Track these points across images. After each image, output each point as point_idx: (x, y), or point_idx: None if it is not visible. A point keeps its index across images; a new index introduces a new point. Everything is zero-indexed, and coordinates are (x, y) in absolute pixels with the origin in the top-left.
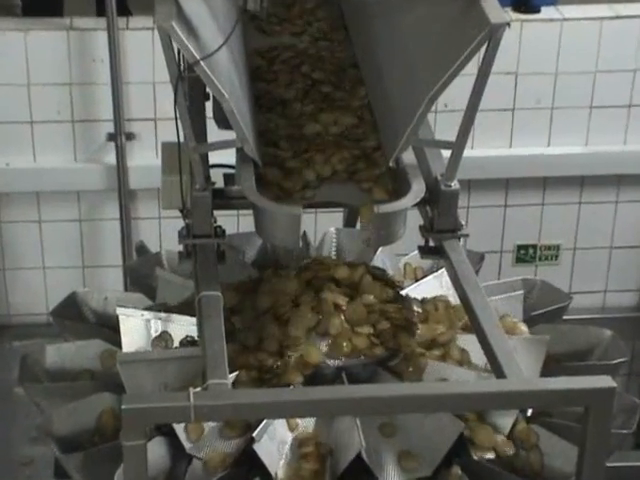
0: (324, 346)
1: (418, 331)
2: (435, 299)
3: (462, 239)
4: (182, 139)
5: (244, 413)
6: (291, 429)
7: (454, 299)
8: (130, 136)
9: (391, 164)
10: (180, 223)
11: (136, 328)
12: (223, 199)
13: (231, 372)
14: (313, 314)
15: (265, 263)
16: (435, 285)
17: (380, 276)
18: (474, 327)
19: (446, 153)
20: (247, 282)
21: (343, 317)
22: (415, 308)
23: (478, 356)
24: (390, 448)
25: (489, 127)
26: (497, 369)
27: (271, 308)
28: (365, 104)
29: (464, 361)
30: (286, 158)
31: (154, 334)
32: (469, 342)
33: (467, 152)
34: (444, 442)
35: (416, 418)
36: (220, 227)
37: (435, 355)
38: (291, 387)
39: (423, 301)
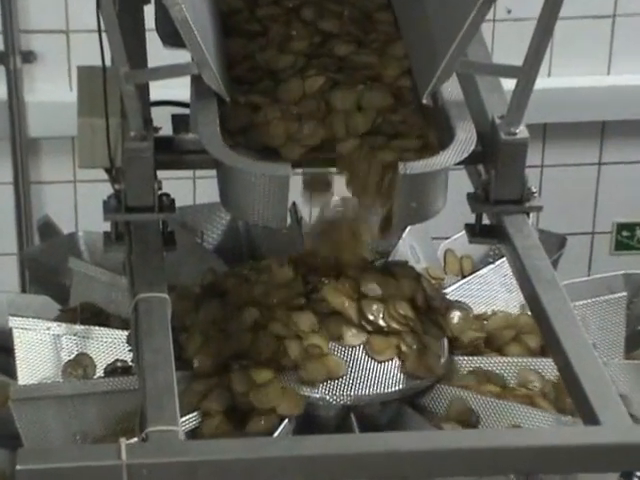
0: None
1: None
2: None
3: (532, 214)
4: (109, 62)
5: (203, 477)
6: None
7: (518, 304)
8: (29, 56)
9: (425, 101)
10: (106, 190)
11: (38, 348)
12: (171, 153)
13: (186, 412)
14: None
15: (235, 250)
16: (492, 283)
17: (404, 273)
18: (550, 347)
19: (509, 84)
20: (209, 278)
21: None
22: (458, 319)
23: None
24: None
25: (575, 44)
26: (587, 411)
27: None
28: (406, 71)
29: (537, 399)
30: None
31: (66, 357)
32: (541, 370)
33: (541, 82)
34: None
35: None
36: (167, 196)
37: (491, 389)
38: (276, 435)
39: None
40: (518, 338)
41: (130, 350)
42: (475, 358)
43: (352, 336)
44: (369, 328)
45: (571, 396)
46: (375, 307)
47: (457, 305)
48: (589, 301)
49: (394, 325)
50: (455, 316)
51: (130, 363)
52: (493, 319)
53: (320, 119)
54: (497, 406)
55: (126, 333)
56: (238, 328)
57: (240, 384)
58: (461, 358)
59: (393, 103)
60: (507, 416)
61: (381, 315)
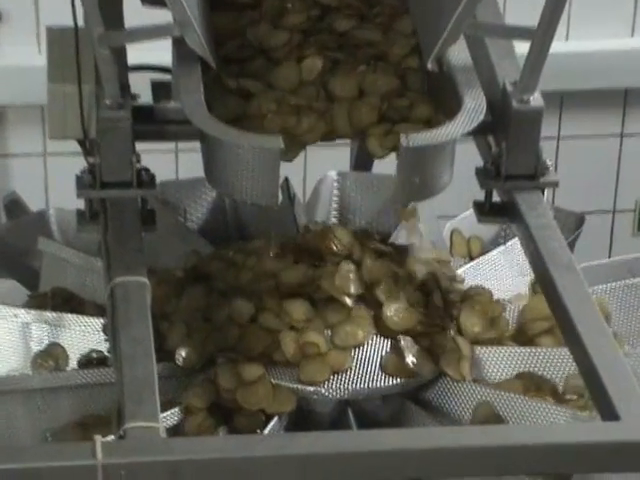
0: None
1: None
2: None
3: (548, 191)
4: (82, 23)
5: (186, 477)
6: None
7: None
8: None
9: (431, 66)
10: (79, 164)
11: (6, 337)
12: (151, 124)
13: (168, 407)
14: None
15: (221, 230)
16: (502, 267)
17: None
18: (565, 337)
19: (522, 48)
20: (192, 261)
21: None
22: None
23: (571, 383)
24: None
25: (595, 4)
26: (605, 405)
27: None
28: (413, 49)
29: (546, 391)
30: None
31: (36, 347)
32: (556, 361)
33: (557, 46)
34: None
35: None
36: (147, 171)
37: (504, 383)
38: (266, 432)
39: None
40: (552, 330)
41: (106, 340)
42: (498, 349)
43: (350, 327)
44: (369, 318)
45: (589, 389)
46: (379, 294)
47: (476, 291)
48: (609, 286)
49: (398, 317)
50: (474, 307)
51: (106, 354)
52: (526, 309)
53: (320, 112)
54: (507, 400)
55: (102, 321)
56: (225, 319)
57: (226, 380)
58: (482, 350)
59: (399, 86)
60: (518, 411)
61: (386, 306)
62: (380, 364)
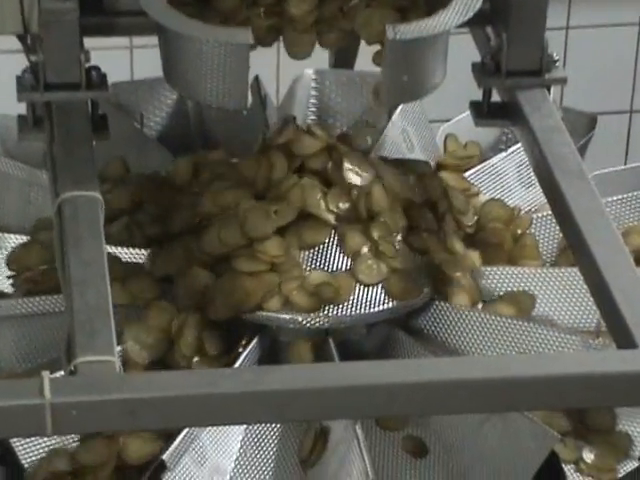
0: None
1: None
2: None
3: (554, 88)
4: None
5: (145, 418)
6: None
7: (538, 203)
8: None
9: None
10: (20, 63)
11: None
12: (101, 15)
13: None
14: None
15: (183, 137)
16: (504, 175)
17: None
18: (576, 253)
19: None
20: (153, 173)
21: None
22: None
23: (582, 308)
24: None
25: None
26: (620, 331)
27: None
28: None
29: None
30: None
31: None
32: (564, 282)
33: None
34: (524, 469)
35: (468, 427)
36: (98, 70)
37: (504, 307)
38: (236, 366)
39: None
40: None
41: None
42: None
43: (329, 245)
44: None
45: (601, 313)
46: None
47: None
48: (625, 196)
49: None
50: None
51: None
52: None
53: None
54: (510, 328)
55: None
56: (187, 285)
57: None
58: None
59: None
60: (524, 340)
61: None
62: (367, 288)
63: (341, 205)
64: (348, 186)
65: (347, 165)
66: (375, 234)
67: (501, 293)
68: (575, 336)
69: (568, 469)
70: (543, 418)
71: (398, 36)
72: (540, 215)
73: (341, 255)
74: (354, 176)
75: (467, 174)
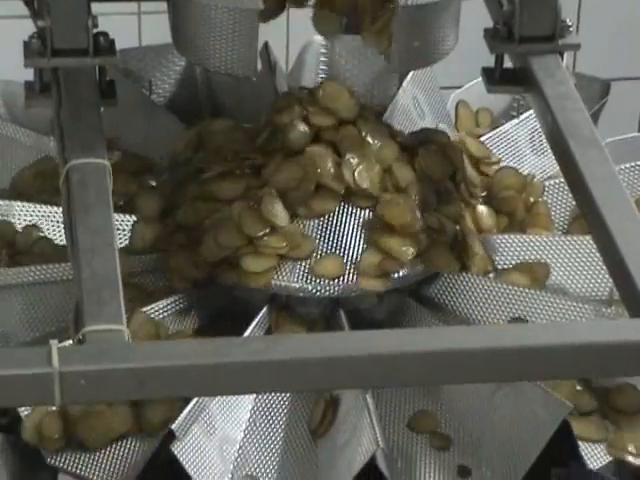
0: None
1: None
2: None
3: (568, 54)
4: None
5: (154, 387)
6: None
7: (550, 171)
8: None
9: None
10: (27, 28)
11: None
12: None
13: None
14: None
15: (192, 104)
16: (516, 142)
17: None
18: (589, 221)
19: None
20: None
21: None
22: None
23: (595, 277)
24: (431, 452)
25: None
26: (634, 300)
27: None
28: None
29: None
30: None
31: None
32: (577, 251)
33: None
34: (535, 438)
35: (479, 396)
36: (106, 35)
37: (515, 278)
38: (246, 335)
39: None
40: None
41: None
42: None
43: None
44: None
45: (614, 282)
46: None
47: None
48: (638, 163)
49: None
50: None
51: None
52: None
53: None
54: (522, 296)
55: (56, 210)
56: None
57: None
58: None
59: None
60: (535, 308)
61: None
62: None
63: (359, 177)
64: (370, 159)
65: (368, 139)
66: (404, 208)
67: (513, 262)
68: (588, 305)
69: (584, 445)
70: (568, 396)
71: (410, 1)
72: (553, 182)
73: (352, 226)
74: (376, 149)
75: (481, 139)
